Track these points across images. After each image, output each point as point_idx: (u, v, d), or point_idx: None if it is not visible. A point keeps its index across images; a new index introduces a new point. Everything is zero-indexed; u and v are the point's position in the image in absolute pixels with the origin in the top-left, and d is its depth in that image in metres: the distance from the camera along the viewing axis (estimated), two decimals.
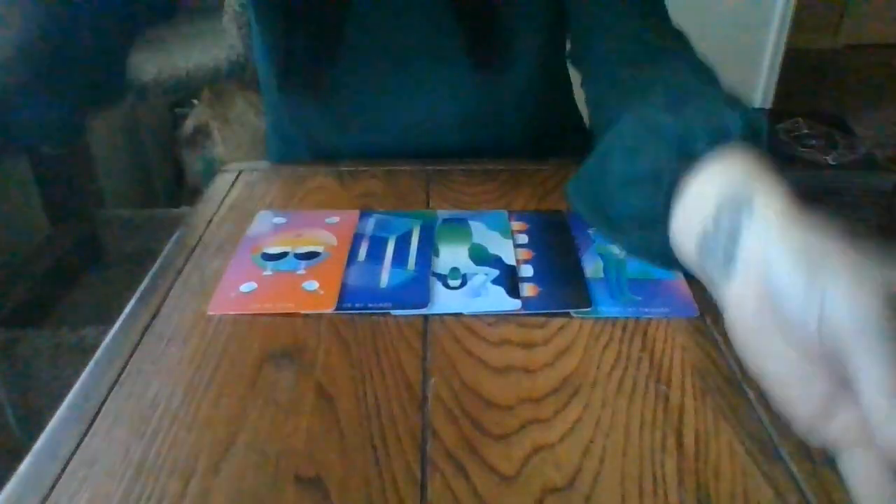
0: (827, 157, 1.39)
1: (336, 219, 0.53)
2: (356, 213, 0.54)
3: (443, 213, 0.54)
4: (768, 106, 2.09)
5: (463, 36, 0.59)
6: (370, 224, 0.53)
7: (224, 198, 0.58)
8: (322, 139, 0.67)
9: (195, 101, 1.93)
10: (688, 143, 0.41)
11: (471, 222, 0.53)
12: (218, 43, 1.50)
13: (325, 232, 0.52)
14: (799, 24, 2.08)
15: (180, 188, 2.05)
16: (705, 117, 0.42)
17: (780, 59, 2.07)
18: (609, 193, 0.47)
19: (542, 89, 0.66)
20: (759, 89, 2.13)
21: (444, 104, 0.63)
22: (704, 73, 0.54)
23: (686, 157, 0.40)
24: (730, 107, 0.43)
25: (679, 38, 0.58)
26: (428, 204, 0.56)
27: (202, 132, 1.91)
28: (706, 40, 0.64)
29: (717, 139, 0.40)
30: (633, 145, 0.45)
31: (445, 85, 0.62)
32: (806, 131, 1.49)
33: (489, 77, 0.61)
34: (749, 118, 0.42)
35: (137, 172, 1.96)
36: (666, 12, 0.59)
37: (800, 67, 2.84)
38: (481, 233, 0.51)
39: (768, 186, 0.36)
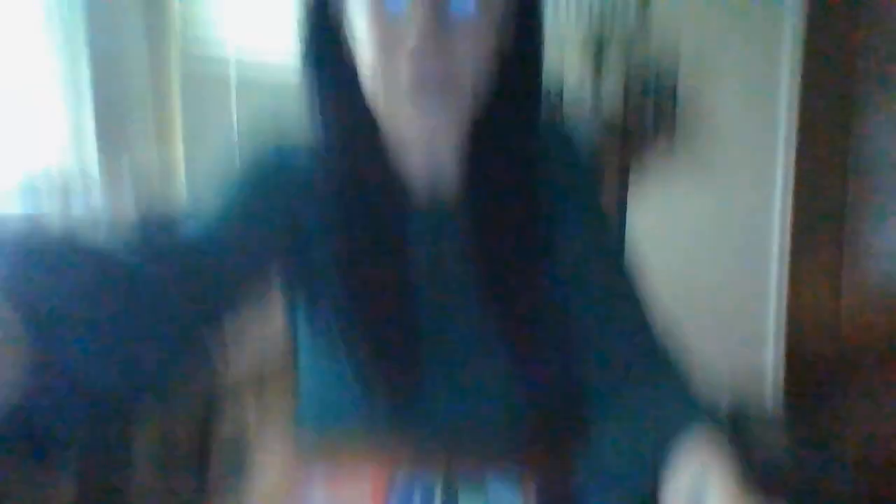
0: None
1: (368, 490, 0.58)
2: (386, 482, 0.59)
3: (462, 480, 0.59)
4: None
5: (518, 363, 0.69)
6: (399, 494, 0.58)
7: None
8: (359, 415, 0.71)
9: None
10: (674, 430, 0.50)
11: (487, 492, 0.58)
12: None
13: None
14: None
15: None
16: (689, 407, 0.54)
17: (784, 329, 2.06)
18: (610, 467, 0.56)
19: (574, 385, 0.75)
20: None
21: (484, 401, 0.71)
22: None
23: (671, 444, 0.49)
24: (707, 401, 0.55)
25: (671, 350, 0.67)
26: (448, 470, 0.61)
27: None
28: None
29: (696, 427, 0.49)
30: (627, 429, 0.56)
31: (493, 389, 0.70)
32: None
33: (535, 396, 0.70)
34: (728, 409, 0.52)
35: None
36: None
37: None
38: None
39: (721, 480, 0.44)
